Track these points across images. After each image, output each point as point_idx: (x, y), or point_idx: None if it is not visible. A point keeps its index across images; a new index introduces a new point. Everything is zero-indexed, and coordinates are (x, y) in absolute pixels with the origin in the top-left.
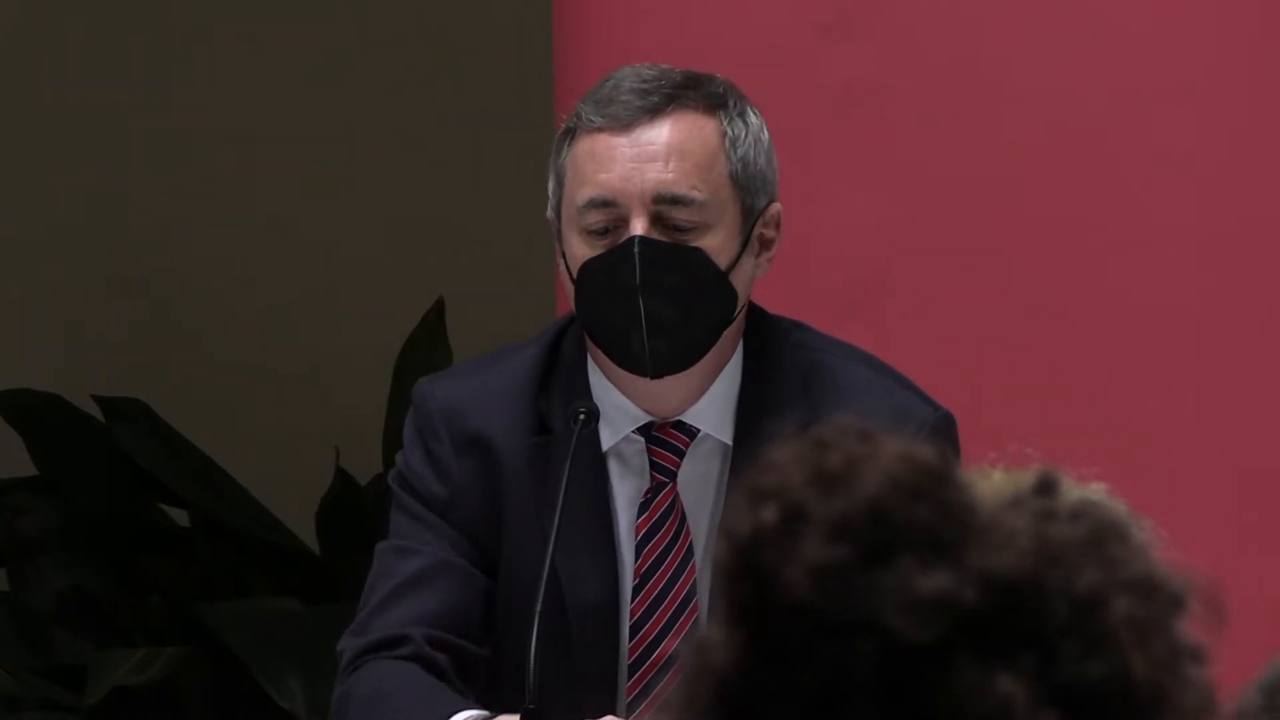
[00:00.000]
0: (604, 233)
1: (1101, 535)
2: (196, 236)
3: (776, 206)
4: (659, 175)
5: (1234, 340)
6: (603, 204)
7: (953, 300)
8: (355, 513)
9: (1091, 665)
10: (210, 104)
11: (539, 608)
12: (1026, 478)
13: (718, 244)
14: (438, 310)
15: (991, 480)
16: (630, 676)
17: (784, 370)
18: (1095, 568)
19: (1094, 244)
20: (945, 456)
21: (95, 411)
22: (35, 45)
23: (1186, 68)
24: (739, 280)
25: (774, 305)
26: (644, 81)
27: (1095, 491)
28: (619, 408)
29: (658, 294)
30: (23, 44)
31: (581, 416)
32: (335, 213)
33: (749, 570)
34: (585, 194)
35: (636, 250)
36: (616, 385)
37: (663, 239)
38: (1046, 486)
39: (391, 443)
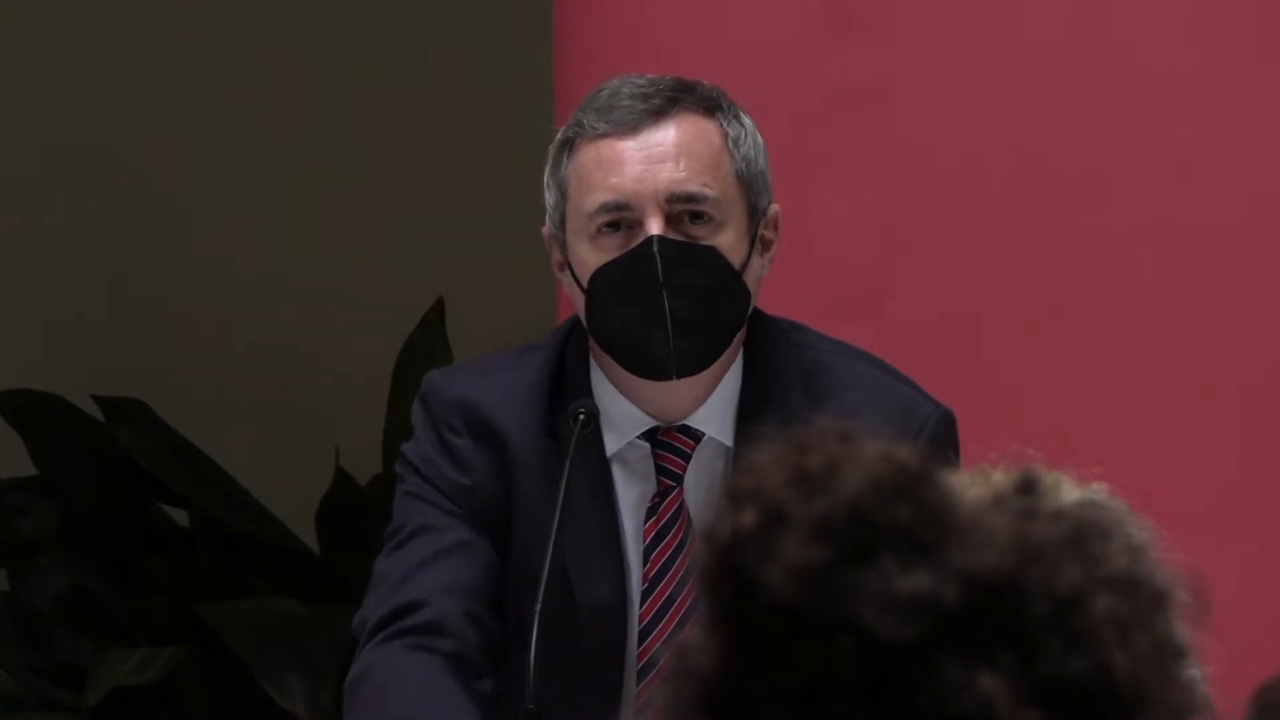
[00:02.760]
0: (615, 236)
1: (1082, 534)
2: (196, 237)
3: (775, 208)
4: (671, 175)
5: (1235, 340)
6: (615, 208)
7: (954, 299)
8: (355, 513)
9: (1073, 663)
10: (210, 105)
11: (539, 608)
12: (1010, 477)
13: (730, 243)
14: (438, 310)
15: (992, 481)
16: (639, 681)
17: (783, 370)
18: (1076, 566)
19: (1095, 243)
20: (925, 457)
21: (95, 411)
22: (36, 46)
23: (1186, 68)
24: (750, 280)
25: (775, 305)
26: (640, 87)
27: (1096, 491)
28: (624, 413)
29: (680, 292)
30: (23, 45)
31: (581, 417)
32: (336, 213)
33: (729, 572)
34: (596, 199)
35: (656, 249)
36: (623, 391)
37: (679, 238)
38: (1028, 486)
39: (392, 443)
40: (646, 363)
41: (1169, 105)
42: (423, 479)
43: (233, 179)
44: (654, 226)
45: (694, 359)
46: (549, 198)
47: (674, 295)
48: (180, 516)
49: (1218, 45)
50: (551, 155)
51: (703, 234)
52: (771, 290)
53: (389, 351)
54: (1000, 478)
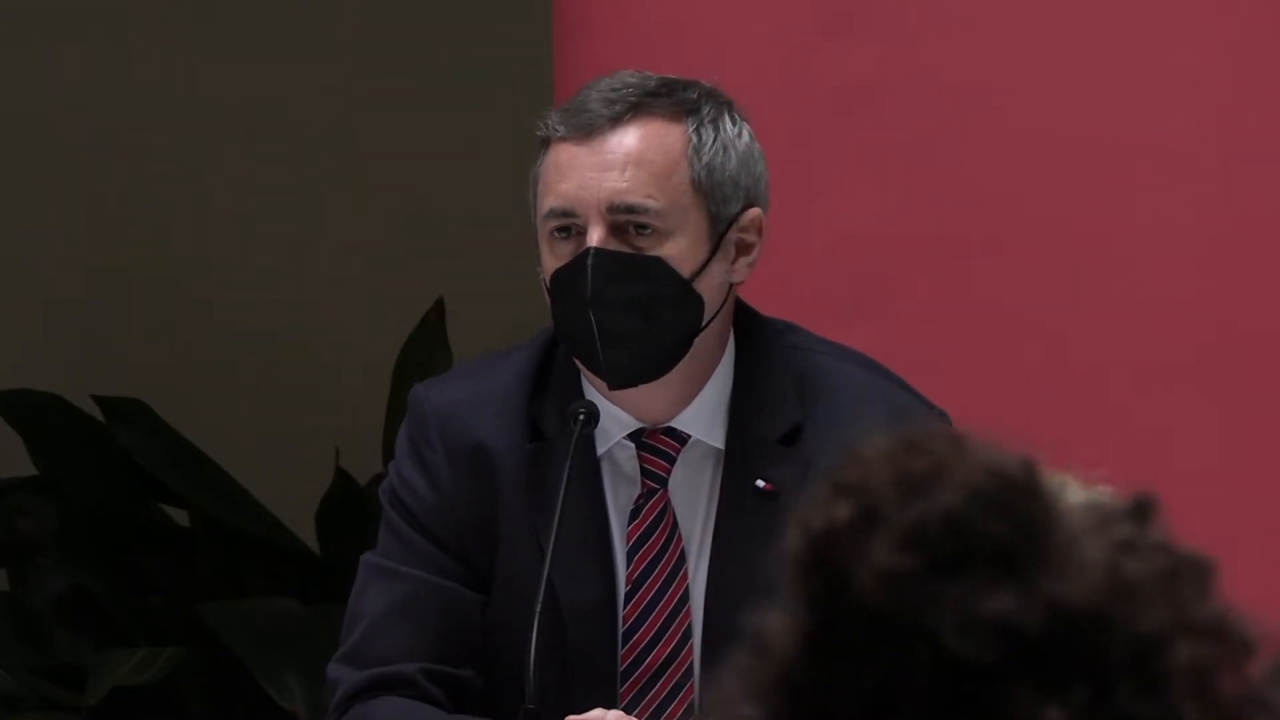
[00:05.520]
0: (567, 242)
1: (1176, 574)
2: (196, 237)
3: (755, 211)
4: (614, 184)
5: (1235, 340)
6: (563, 214)
7: (954, 300)
8: (355, 513)
9: (1144, 708)
10: (210, 104)
11: (539, 608)
12: (1111, 497)
13: (679, 251)
14: (438, 310)
15: (1102, 498)
16: (623, 683)
17: (775, 372)
18: (1164, 607)
19: (1095, 243)
20: (1033, 470)
21: (95, 411)
22: (36, 47)
23: (1186, 68)
24: (706, 287)
25: (774, 305)
26: (614, 90)
27: (1101, 492)
28: (610, 414)
29: (611, 306)
30: (23, 45)
31: (582, 416)
32: (335, 213)
33: (818, 564)
34: (547, 204)
35: (590, 262)
36: (606, 392)
37: (621, 249)
38: (1140, 511)
39: (392, 443)
40: (594, 369)
41: (1169, 105)
42: (396, 508)
43: (233, 180)
44: (594, 236)
45: (633, 370)
46: (529, 196)
47: (602, 309)
48: (180, 516)
49: (1218, 45)
50: (534, 153)
51: (646, 244)
52: (771, 290)
53: (389, 351)
54: (1074, 486)
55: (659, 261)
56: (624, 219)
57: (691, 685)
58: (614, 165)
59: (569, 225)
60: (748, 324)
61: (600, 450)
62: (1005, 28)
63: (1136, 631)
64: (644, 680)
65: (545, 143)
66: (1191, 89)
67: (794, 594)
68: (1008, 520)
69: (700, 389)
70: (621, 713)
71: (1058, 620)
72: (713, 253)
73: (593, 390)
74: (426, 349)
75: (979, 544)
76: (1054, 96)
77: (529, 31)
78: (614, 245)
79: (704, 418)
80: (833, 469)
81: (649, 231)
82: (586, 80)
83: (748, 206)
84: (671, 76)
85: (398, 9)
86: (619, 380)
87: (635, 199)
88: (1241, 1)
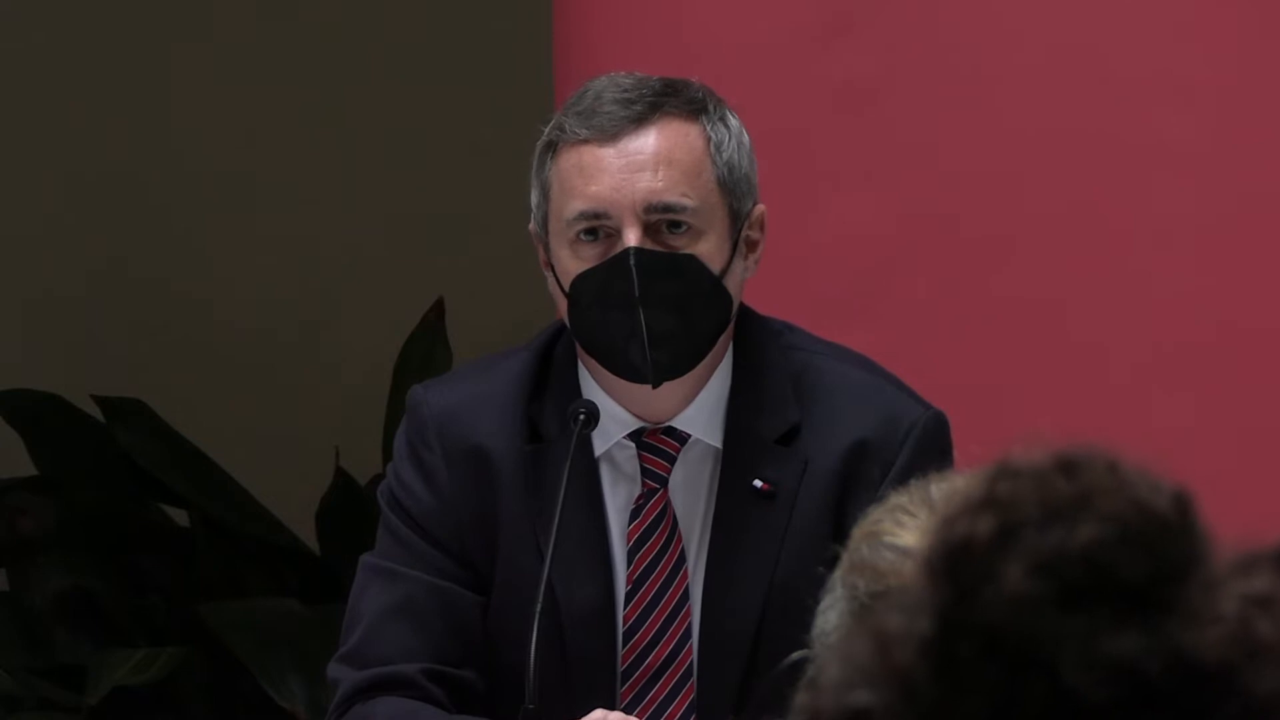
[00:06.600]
0: (594, 244)
1: None
2: (196, 236)
3: (760, 208)
4: (649, 184)
5: (1235, 339)
6: (594, 216)
7: (954, 300)
8: (355, 513)
9: None
10: (210, 104)
11: (539, 608)
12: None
13: (710, 249)
14: (438, 310)
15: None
16: (623, 684)
17: (774, 372)
18: None
19: (1094, 243)
20: (1186, 506)
21: (95, 411)
22: (35, 44)
23: (1186, 67)
24: (731, 284)
25: (775, 307)
26: (624, 91)
27: None
28: (611, 414)
29: (656, 304)
30: (23, 43)
31: (581, 416)
32: (335, 213)
33: (951, 574)
34: (575, 207)
35: (633, 262)
36: (609, 392)
37: (657, 248)
38: None
39: (391, 443)
40: (627, 368)
41: (1169, 105)
42: (395, 510)
43: (232, 179)
44: (631, 237)
45: (672, 367)
46: (533, 197)
47: (650, 308)
48: (180, 516)
49: (1217, 44)
50: (536, 155)
51: (681, 243)
52: (770, 290)
53: (389, 351)
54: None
55: (694, 259)
56: (659, 218)
57: (691, 685)
58: (645, 166)
59: (598, 227)
60: (745, 323)
61: (599, 450)
62: (1005, 28)
63: (1254, 693)
64: (644, 680)
65: (553, 146)
66: (1191, 88)
67: (923, 594)
68: (1148, 559)
69: (702, 388)
70: (622, 714)
71: (1179, 670)
72: (734, 249)
73: (593, 391)
74: (426, 349)
75: (1113, 580)
76: (1054, 96)
77: (529, 31)
78: (649, 245)
79: (703, 417)
80: (986, 473)
81: (684, 230)
82: (586, 80)
83: (754, 203)
84: (665, 77)
85: (398, 9)
86: (661, 377)
87: (672, 198)
88: (1242, 1)
